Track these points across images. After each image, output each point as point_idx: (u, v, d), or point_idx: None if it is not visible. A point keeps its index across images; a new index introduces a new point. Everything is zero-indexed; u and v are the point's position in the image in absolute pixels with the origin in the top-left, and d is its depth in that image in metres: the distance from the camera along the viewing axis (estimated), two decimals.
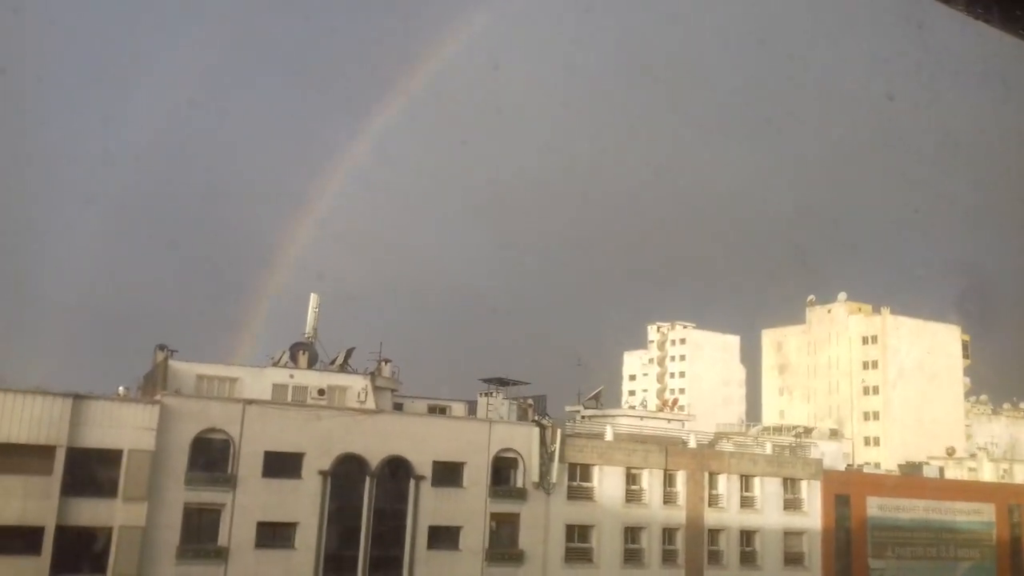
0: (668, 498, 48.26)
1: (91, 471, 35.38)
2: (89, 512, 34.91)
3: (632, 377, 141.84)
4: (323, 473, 39.68)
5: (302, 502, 39.24)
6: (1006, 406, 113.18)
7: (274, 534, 38.72)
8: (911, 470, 65.15)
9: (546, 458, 44.74)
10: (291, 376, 43.87)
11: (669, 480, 48.60)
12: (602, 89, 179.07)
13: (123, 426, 36.14)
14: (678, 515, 48.24)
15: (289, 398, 42.41)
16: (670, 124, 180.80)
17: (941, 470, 65.91)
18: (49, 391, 35.57)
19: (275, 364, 45.63)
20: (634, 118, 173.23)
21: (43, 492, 33.99)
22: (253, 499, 38.20)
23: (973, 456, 77.47)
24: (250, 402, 39.49)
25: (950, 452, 78.04)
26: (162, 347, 44.12)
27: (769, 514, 50.92)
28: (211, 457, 38.04)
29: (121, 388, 43.96)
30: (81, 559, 34.60)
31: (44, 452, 34.37)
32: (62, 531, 34.05)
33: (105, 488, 35.41)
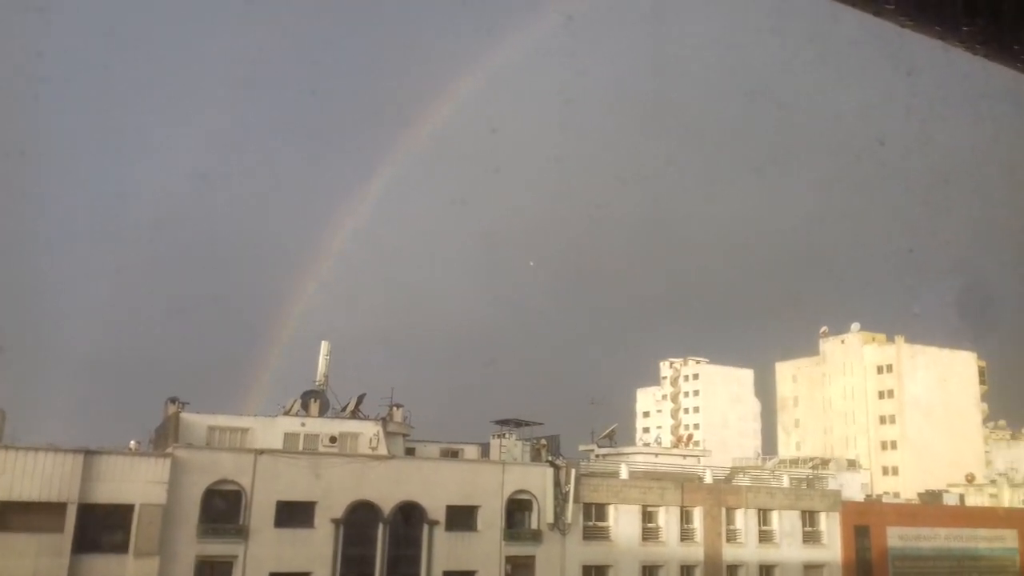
0: (685, 535, 47.70)
1: (102, 527, 35.15)
2: (100, 569, 34.62)
3: (646, 414, 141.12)
4: (335, 521, 39.38)
5: (315, 551, 38.89)
6: None
7: None
8: (931, 498, 64.34)
9: (560, 499, 44.33)
10: (302, 424, 43.74)
11: (686, 517, 48.06)
12: (597, 145, 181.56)
13: (134, 480, 36.00)
14: (696, 552, 47.62)
15: (300, 447, 42.26)
16: (666, 174, 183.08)
17: (961, 497, 65.07)
18: (60, 447, 35.51)
19: (286, 413, 45.52)
20: (630, 170, 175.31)
21: (55, 550, 33.76)
22: (266, 550, 37.88)
23: (993, 482, 76.42)
24: (261, 452, 39.36)
25: (970, 479, 77.05)
26: (173, 400, 44.12)
27: (788, 548, 50.24)
28: (223, 509, 37.80)
29: (132, 442, 43.90)
30: None
31: (55, 509, 34.20)
32: None
33: (116, 544, 35.14)
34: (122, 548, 35.14)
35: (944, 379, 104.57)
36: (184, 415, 42.11)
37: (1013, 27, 2.24)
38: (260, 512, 38.08)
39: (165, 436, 42.51)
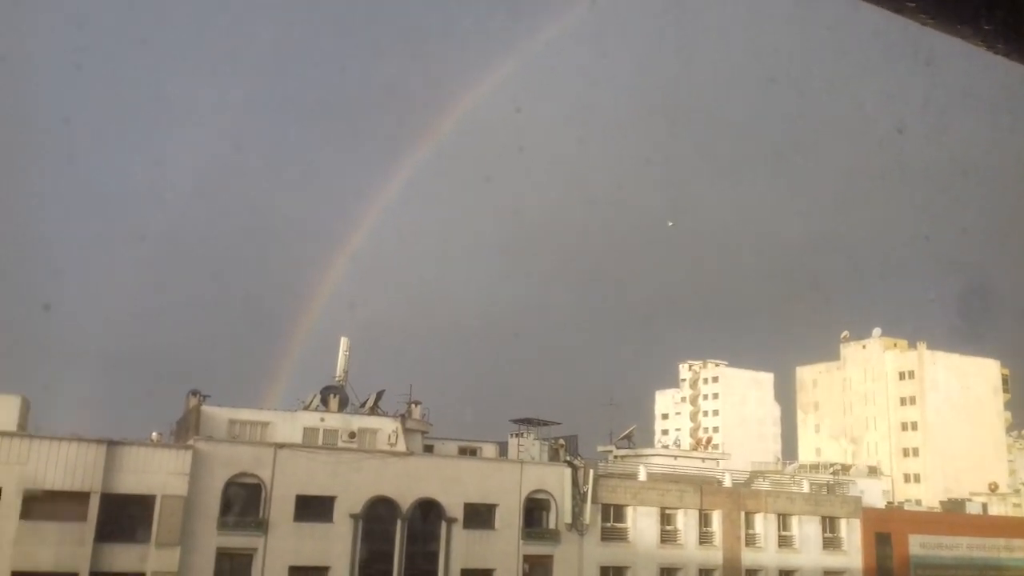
0: (704, 538, 47.53)
1: (124, 517, 35.54)
2: (122, 558, 35.02)
3: (664, 416, 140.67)
4: (354, 516, 39.59)
5: (334, 546, 39.12)
6: None
7: None
8: (953, 507, 63.73)
9: (579, 499, 44.32)
10: (322, 419, 44.00)
11: (705, 520, 47.90)
12: (618, 127, 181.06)
13: (156, 471, 36.38)
14: (715, 555, 47.45)
15: (320, 442, 42.50)
16: (687, 161, 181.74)
17: (984, 506, 64.38)
18: (84, 438, 35.94)
19: (306, 408, 45.82)
20: (651, 154, 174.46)
21: (77, 539, 34.21)
22: (285, 543, 38.14)
23: (1017, 491, 75.62)
24: (281, 446, 39.63)
25: (993, 488, 76.20)
26: (194, 392, 44.48)
27: (808, 553, 49.93)
28: (243, 501, 38.10)
29: (154, 434, 44.39)
30: None
31: (79, 498, 34.64)
32: None
33: (138, 534, 35.55)
34: (144, 538, 35.53)
35: (967, 387, 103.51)
36: (205, 408, 42.49)
37: None
38: (280, 506, 38.35)
39: (186, 428, 42.91)
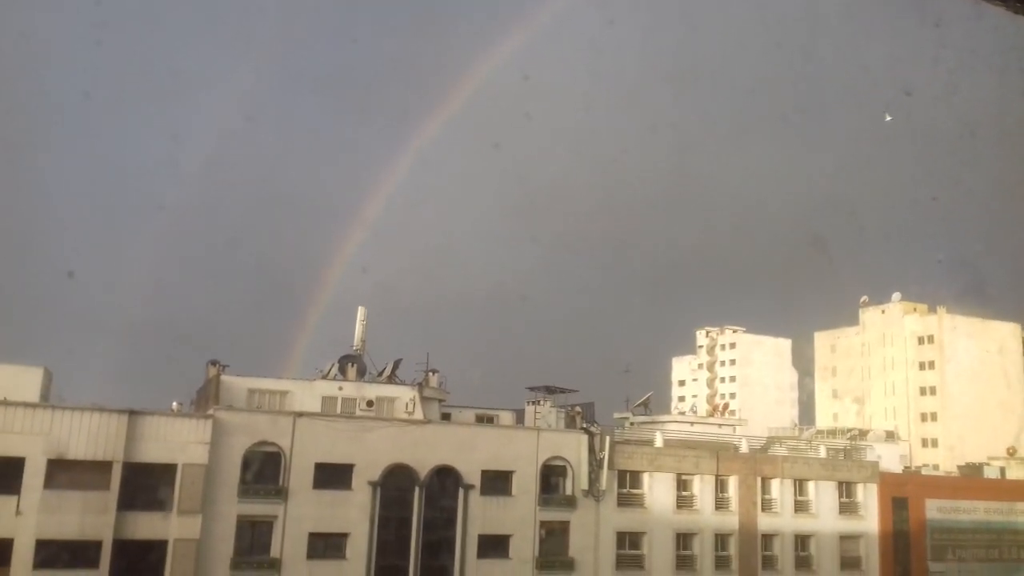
0: (720, 504, 47.70)
1: (147, 485, 36.05)
2: (145, 526, 35.58)
3: (681, 383, 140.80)
4: (373, 484, 39.98)
5: (352, 513, 39.57)
6: None
7: (325, 545, 39.08)
8: (971, 471, 63.68)
9: (595, 465, 44.54)
10: (340, 388, 44.32)
11: (721, 485, 48.05)
12: (624, 93, 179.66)
13: (177, 441, 36.80)
14: (731, 520, 47.66)
15: (338, 410, 42.84)
16: (693, 126, 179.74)
17: (1002, 470, 64.23)
18: (106, 408, 36.36)
19: (324, 377, 46.12)
20: (656, 120, 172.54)
21: (101, 507, 34.74)
22: (304, 510, 38.61)
23: None
24: (300, 415, 39.96)
25: (1011, 452, 75.97)
26: (214, 362, 44.89)
27: (824, 518, 50.07)
28: (263, 469, 38.54)
29: (175, 403, 44.83)
30: (138, 572, 35.13)
31: (101, 467, 35.14)
32: (119, 545, 34.74)
33: (160, 502, 36.10)
34: (166, 506, 36.08)
35: (987, 351, 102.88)
36: (225, 377, 42.87)
37: None
38: (299, 474, 38.77)
39: (206, 398, 43.32)
